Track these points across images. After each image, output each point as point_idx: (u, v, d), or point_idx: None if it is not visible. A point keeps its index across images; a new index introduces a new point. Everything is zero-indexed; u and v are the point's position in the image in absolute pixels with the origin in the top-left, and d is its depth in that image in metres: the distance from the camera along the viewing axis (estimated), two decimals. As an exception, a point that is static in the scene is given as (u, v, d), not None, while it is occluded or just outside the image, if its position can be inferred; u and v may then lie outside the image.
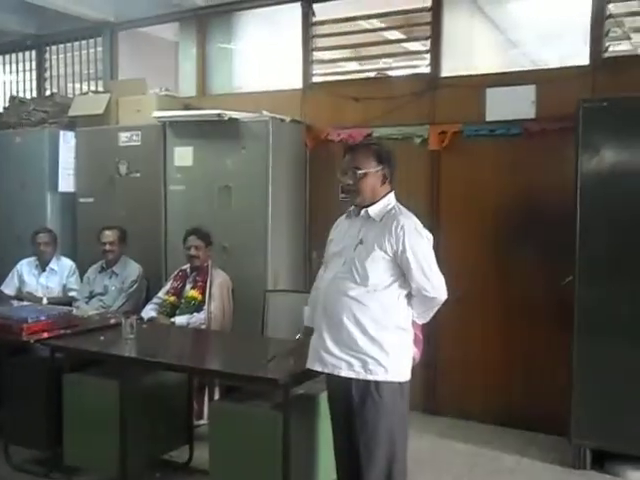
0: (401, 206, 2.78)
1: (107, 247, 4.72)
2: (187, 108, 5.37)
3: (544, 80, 4.28)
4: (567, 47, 4.43)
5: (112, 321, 4.03)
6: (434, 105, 4.63)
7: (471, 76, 4.51)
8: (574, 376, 3.77)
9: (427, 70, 4.69)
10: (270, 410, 3.01)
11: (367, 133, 4.80)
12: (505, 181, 4.45)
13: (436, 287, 2.70)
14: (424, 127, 4.64)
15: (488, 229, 4.51)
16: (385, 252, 2.66)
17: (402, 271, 2.68)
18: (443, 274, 2.75)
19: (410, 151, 4.66)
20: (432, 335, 4.48)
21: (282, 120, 4.83)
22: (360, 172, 2.71)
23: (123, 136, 5.27)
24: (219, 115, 4.68)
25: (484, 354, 4.54)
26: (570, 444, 3.83)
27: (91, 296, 4.77)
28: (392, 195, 2.78)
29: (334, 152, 4.92)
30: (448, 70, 4.64)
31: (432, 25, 4.68)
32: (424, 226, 2.75)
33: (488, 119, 4.43)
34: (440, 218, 4.66)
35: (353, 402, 2.67)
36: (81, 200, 5.47)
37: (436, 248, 2.76)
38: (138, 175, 5.24)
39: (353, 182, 2.73)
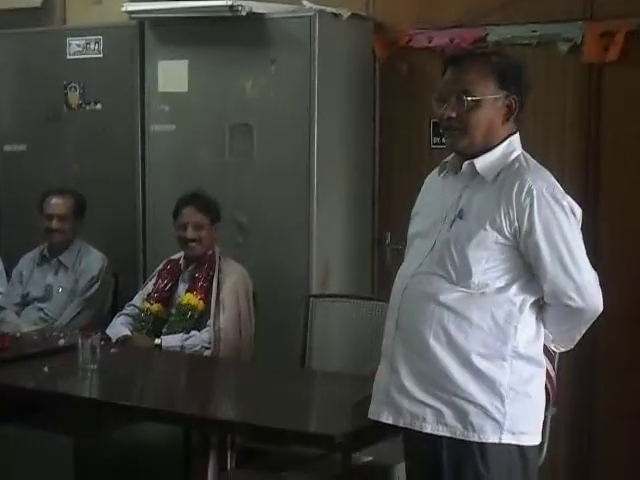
0: (530, 158, 2.82)
1: (54, 224, 4.85)
2: (179, -3, 5.47)
3: None
4: None
5: (61, 342, 4.16)
6: (593, -13, 4.64)
7: None
8: None
9: None
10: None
11: (478, 36, 4.82)
12: None
13: (585, 292, 2.73)
14: (575, 25, 4.63)
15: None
16: (499, 232, 2.68)
17: (528, 264, 2.73)
18: (601, 274, 2.78)
19: (550, 66, 4.67)
20: (583, 369, 4.51)
21: (337, 15, 4.90)
22: (471, 99, 2.75)
23: (74, 44, 5.41)
24: (232, 8, 4.77)
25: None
26: None
27: (25, 302, 4.94)
28: (516, 139, 2.82)
29: (422, 67, 4.96)
30: None
31: None
32: (569, 196, 2.78)
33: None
34: (600, 185, 4.66)
35: (443, 473, 2.72)
36: (5, 148, 5.64)
37: (589, 234, 2.80)
38: (99, 107, 5.38)
39: (458, 115, 2.77)
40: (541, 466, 2.87)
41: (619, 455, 4.65)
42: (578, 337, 2.87)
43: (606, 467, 4.68)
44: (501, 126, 2.77)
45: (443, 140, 4.95)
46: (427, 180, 3.01)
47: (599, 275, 2.78)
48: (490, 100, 2.74)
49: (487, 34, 4.79)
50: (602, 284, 2.77)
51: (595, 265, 2.77)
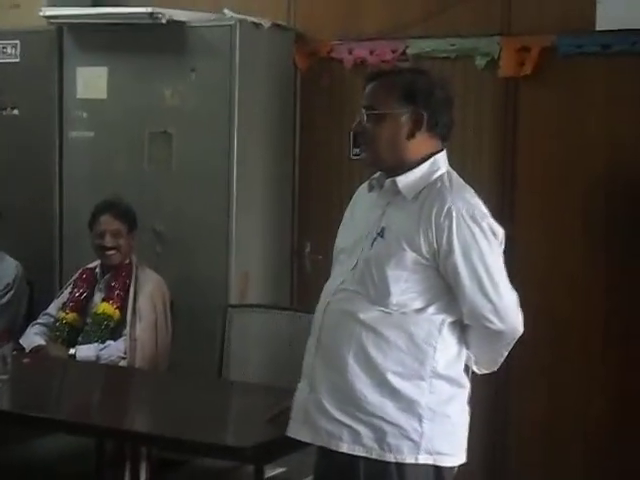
0: (455, 177, 2.82)
1: (-35, 230, 4.79)
2: (99, 3, 5.42)
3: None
4: None
5: (-29, 352, 4.10)
6: (509, 4, 4.69)
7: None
8: None
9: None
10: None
11: (398, 48, 4.86)
12: (627, 134, 4.52)
13: (504, 314, 2.73)
14: (493, 40, 4.69)
15: (596, 218, 4.57)
16: (418, 253, 2.68)
17: (448, 285, 2.74)
18: (519, 292, 2.78)
19: (469, 80, 4.73)
20: (499, 383, 4.57)
21: (257, 25, 4.91)
22: (371, 113, 2.78)
23: (-10, 48, 5.35)
24: (152, 15, 4.76)
25: (584, 412, 4.61)
26: None
27: None
28: (441, 157, 2.82)
29: (342, 78, 4.99)
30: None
31: None
32: (490, 214, 2.77)
33: (599, 27, 4.49)
34: (516, 200, 4.72)
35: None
36: None
37: (508, 251, 2.80)
38: (15, 112, 5.31)
39: (363, 129, 2.81)
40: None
41: (533, 468, 4.72)
42: (500, 360, 2.87)
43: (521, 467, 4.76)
44: (407, 141, 2.76)
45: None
46: (357, 192, 3.00)
47: (516, 287, 2.77)
48: (392, 115, 2.75)
49: (407, 47, 4.84)
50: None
51: (512, 282, 2.77)
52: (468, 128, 4.68)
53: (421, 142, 2.78)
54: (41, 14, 5.03)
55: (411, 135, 2.76)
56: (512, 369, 4.28)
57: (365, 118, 2.77)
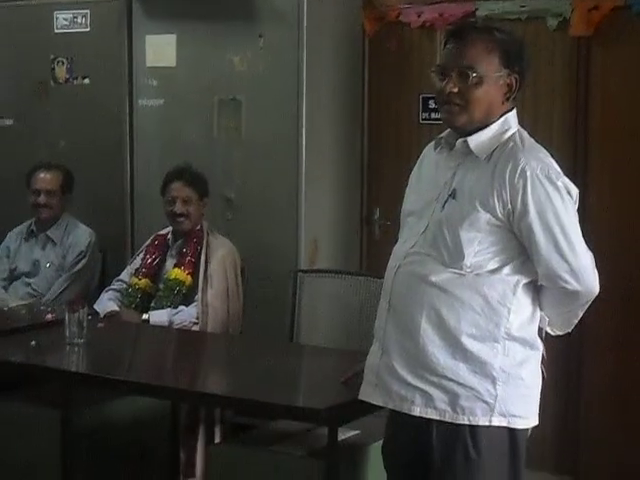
0: (526, 136, 2.79)
1: (42, 199, 4.86)
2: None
3: None
4: None
5: (48, 317, 4.18)
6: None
7: None
8: None
9: None
10: (306, 460, 3.14)
11: (468, 10, 4.82)
12: None
13: (580, 275, 2.71)
14: (564, 0, 4.63)
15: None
16: (492, 214, 2.66)
17: (522, 246, 2.73)
18: (594, 254, 2.76)
19: (539, 40, 4.66)
20: (572, 352, 4.54)
21: (325, -11, 4.91)
22: (475, 75, 2.73)
23: (61, 17, 5.40)
24: (220, -19, 4.80)
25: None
26: None
27: (13, 277, 4.94)
28: (512, 116, 2.79)
29: (411, 43, 4.96)
30: None
31: None
32: (564, 174, 2.75)
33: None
34: (589, 162, 4.67)
35: (432, 458, 2.72)
36: (-8, 123, 5.66)
37: (583, 213, 2.78)
38: (86, 82, 5.37)
39: (460, 90, 2.73)
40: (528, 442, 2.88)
41: (605, 430, 4.68)
42: (575, 320, 2.85)
43: (593, 442, 4.72)
44: (501, 105, 2.74)
45: (432, 115, 4.99)
46: (423, 153, 2.96)
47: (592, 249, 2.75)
48: (493, 78, 2.71)
49: (476, 9, 4.79)
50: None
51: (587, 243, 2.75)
52: (540, 89, 4.62)
53: (504, 105, 2.76)
54: (111, -17, 5.10)
55: (506, 99, 2.75)
56: (585, 330, 4.23)
57: (469, 79, 2.69)
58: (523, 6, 4.71)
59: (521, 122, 2.83)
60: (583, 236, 2.73)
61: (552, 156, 2.75)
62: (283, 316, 4.26)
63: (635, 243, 4.59)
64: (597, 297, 2.78)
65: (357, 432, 3.35)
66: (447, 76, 2.73)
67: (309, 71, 4.77)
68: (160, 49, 5.11)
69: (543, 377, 2.84)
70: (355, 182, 5.17)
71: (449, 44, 2.78)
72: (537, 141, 2.79)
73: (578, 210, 2.75)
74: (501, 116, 2.75)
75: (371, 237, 5.15)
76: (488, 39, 2.74)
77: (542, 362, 2.83)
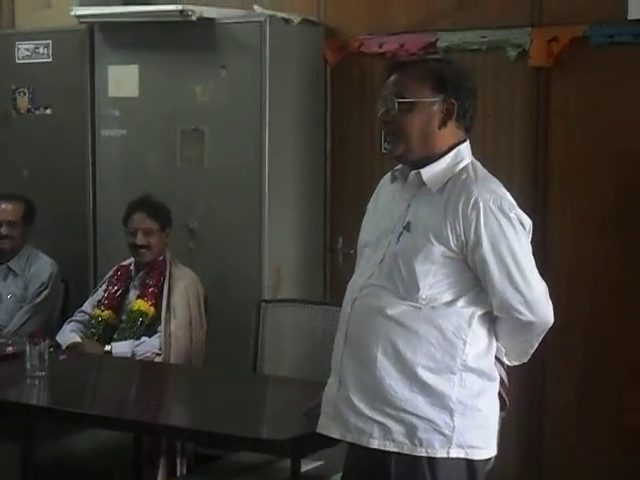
0: (480, 167, 2.80)
1: (3, 230, 4.84)
2: (129, 2, 5.45)
3: None
4: None
5: (9, 349, 4.14)
6: (540, -6, 4.72)
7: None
8: None
9: None
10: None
11: (428, 41, 4.86)
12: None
13: (534, 306, 2.69)
14: (523, 31, 4.68)
15: (630, 209, 4.54)
16: (446, 246, 2.67)
17: (477, 277, 2.70)
18: (550, 285, 2.77)
19: (499, 71, 4.72)
20: (534, 379, 4.57)
21: (287, 21, 4.93)
22: (402, 101, 2.73)
23: (22, 47, 5.40)
24: (182, 12, 4.79)
25: (617, 399, 4.59)
26: None
27: (-27, 309, 4.91)
28: (465, 148, 2.80)
29: (373, 73, 4.98)
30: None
31: None
32: (518, 205, 2.75)
33: (631, 16, 4.46)
34: (548, 191, 4.69)
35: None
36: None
37: (538, 243, 2.80)
38: (48, 112, 5.37)
39: (392, 118, 2.75)
40: (490, 472, 2.88)
41: (567, 457, 4.69)
42: (531, 350, 2.85)
43: (555, 469, 4.74)
44: (438, 132, 2.74)
45: (390, 146, 4.98)
46: (381, 183, 2.97)
47: (546, 280, 2.77)
48: (425, 103, 2.72)
49: (437, 39, 4.83)
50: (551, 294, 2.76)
51: (544, 274, 2.76)
52: (500, 120, 4.68)
53: (450, 132, 2.75)
54: (72, 14, 5.08)
55: (443, 124, 2.73)
56: (547, 357, 4.25)
57: (395, 106, 2.72)
58: (484, 37, 4.75)
59: (481, 152, 2.85)
60: (545, 267, 2.75)
61: (512, 186, 2.77)
62: (247, 346, 4.24)
63: (595, 273, 4.60)
64: (559, 325, 2.80)
65: (320, 463, 3.35)
66: (385, 106, 2.76)
67: (272, 101, 4.78)
68: (122, 79, 5.11)
69: (506, 405, 2.86)
70: (318, 211, 5.19)
71: (391, 75, 2.80)
72: (497, 172, 2.80)
73: (539, 241, 2.77)
74: (453, 148, 2.76)
75: (334, 265, 5.16)
76: (422, 67, 2.78)
77: (505, 390, 2.85)
